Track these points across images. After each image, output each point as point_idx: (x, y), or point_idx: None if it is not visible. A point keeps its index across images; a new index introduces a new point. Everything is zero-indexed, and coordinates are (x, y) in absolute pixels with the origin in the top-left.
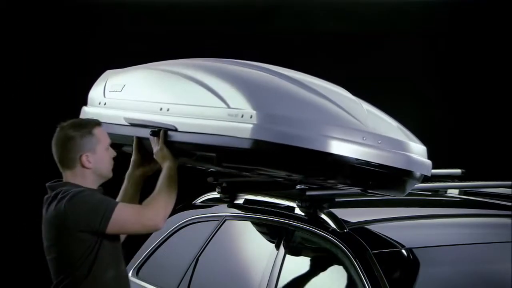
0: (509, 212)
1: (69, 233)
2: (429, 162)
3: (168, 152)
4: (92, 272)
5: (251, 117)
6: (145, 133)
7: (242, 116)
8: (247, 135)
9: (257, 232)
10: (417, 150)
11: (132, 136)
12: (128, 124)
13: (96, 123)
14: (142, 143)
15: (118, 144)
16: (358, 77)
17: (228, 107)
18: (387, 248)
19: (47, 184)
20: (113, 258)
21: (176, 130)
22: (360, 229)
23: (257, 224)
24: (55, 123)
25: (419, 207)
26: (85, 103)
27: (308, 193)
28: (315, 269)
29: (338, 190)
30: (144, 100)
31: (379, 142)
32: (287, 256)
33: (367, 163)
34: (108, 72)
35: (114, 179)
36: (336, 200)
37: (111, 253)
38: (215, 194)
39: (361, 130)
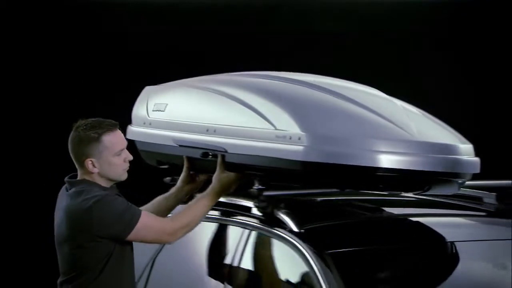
0: (465, 212)
1: (89, 235)
2: (476, 160)
3: (226, 178)
4: (104, 272)
5: (299, 138)
6: (195, 154)
7: (291, 138)
8: (297, 157)
9: (215, 232)
10: (464, 150)
11: (177, 155)
12: (176, 145)
13: (109, 128)
14: (191, 162)
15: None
16: (358, 77)
17: (275, 128)
18: (344, 248)
19: (66, 179)
20: (124, 256)
21: (226, 151)
22: (317, 228)
23: (215, 224)
24: (55, 121)
25: (377, 208)
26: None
27: (265, 193)
28: (273, 269)
29: (295, 190)
30: (189, 120)
31: (426, 149)
32: (245, 255)
33: (419, 172)
34: (147, 89)
35: (130, 181)
36: (294, 200)
37: (124, 252)
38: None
39: (407, 140)
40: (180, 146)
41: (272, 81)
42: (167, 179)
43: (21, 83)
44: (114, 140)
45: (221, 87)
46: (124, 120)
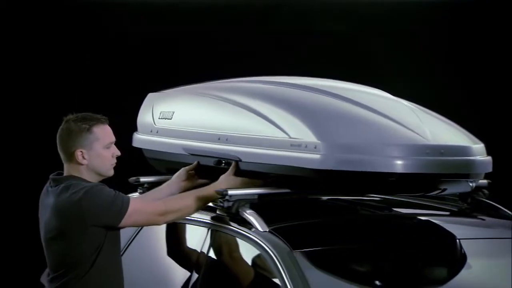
0: (430, 212)
1: (82, 227)
2: (488, 159)
3: (230, 184)
4: (95, 265)
5: (315, 147)
6: (207, 162)
7: (306, 147)
8: (314, 165)
9: (180, 232)
10: (477, 150)
11: (188, 164)
12: (187, 153)
13: (100, 121)
14: (199, 167)
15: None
16: (358, 77)
17: (289, 137)
18: (309, 247)
19: (51, 176)
20: (113, 248)
21: (240, 160)
22: (282, 228)
23: (180, 224)
24: (50, 120)
25: (342, 208)
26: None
27: (230, 192)
28: (238, 269)
29: (261, 190)
30: (199, 129)
31: (441, 152)
32: (210, 255)
33: (434, 175)
34: (151, 96)
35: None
36: (260, 200)
37: (113, 245)
38: (137, 195)
39: (422, 144)
40: (192, 155)
41: (282, 87)
42: (132, 179)
43: (19, 84)
44: (104, 132)
45: (231, 95)
46: (120, 119)
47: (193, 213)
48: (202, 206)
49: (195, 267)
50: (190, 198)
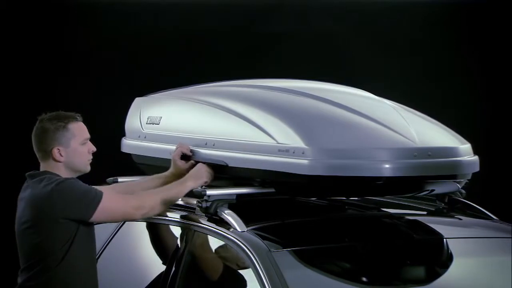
0: (409, 211)
1: (53, 218)
2: (475, 158)
3: (207, 177)
4: (65, 258)
5: (303, 153)
6: None
7: (294, 152)
8: (302, 171)
9: (158, 232)
10: (464, 151)
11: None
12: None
13: (75, 118)
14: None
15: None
16: (357, 77)
17: (277, 142)
18: (287, 247)
19: (27, 174)
20: (87, 244)
21: (226, 165)
22: (261, 229)
23: (158, 224)
24: (29, 121)
25: (320, 208)
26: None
27: (208, 192)
28: (217, 269)
29: (239, 190)
30: (186, 134)
31: (429, 154)
32: (188, 256)
33: (422, 177)
34: (138, 100)
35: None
36: (239, 200)
37: (86, 239)
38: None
39: (410, 147)
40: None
41: (268, 91)
42: (110, 179)
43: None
44: (80, 128)
45: (217, 100)
46: (112, 120)
47: (166, 206)
48: (175, 200)
49: (173, 267)
50: (162, 193)
